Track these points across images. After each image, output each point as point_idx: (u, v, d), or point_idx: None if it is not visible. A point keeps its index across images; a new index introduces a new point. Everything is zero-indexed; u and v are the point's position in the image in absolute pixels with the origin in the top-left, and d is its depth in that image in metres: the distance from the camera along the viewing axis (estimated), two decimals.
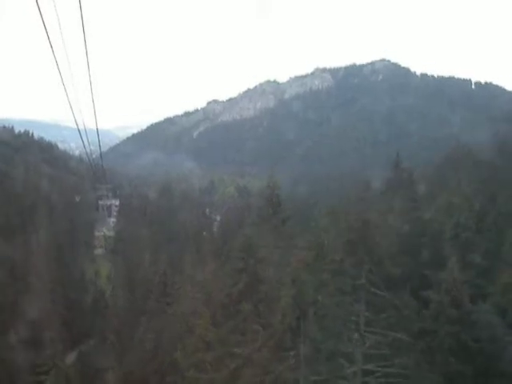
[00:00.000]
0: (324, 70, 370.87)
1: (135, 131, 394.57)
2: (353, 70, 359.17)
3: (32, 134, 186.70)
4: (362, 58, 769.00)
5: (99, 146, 13.80)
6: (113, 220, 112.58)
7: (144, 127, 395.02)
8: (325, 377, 18.18)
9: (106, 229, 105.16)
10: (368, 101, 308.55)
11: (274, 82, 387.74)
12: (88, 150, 14.95)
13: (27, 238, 73.20)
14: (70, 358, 46.54)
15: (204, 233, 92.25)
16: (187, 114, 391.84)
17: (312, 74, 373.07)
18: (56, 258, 67.33)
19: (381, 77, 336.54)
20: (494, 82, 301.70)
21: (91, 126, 12.63)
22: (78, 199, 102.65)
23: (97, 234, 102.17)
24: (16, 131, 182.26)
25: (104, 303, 54.70)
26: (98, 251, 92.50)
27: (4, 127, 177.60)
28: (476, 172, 54.09)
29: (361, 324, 20.18)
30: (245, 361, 17.50)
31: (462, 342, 24.43)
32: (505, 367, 23.99)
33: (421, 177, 71.32)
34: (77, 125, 11.41)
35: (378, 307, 20.24)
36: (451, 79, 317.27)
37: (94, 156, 32.67)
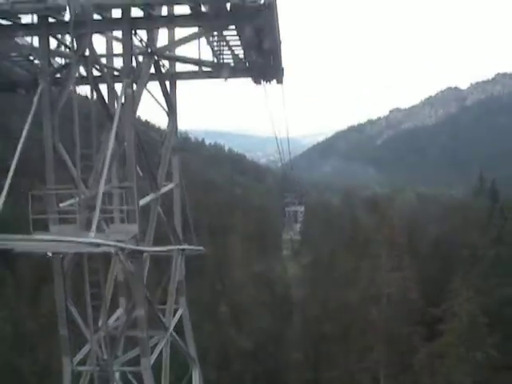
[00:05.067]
0: (505, 75, 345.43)
1: (320, 139, 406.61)
2: None
3: (223, 145, 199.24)
4: None
5: (289, 154, 17.48)
6: (299, 225, 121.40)
7: (328, 135, 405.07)
8: None
9: (293, 233, 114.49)
10: None
11: (455, 88, 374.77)
12: (282, 158, 19.15)
13: (226, 239, 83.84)
14: None
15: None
16: (370, 122, 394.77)
17: (493, 79, 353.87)
18: (251, 257, 76.13)
19: None
20: None
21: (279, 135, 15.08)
22: (267, 206, 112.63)
23: (284, 237, 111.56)
24: (207, 143, 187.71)
25: (289, 293, 63.36)
26: (285, 253, 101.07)
27: (196, 139, 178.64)
28: None
29: None
30: None
31: None
32: None
33: None
34: (275, 135, 14.08)
35: None
36: None
37: (279, 164, 38.66)
